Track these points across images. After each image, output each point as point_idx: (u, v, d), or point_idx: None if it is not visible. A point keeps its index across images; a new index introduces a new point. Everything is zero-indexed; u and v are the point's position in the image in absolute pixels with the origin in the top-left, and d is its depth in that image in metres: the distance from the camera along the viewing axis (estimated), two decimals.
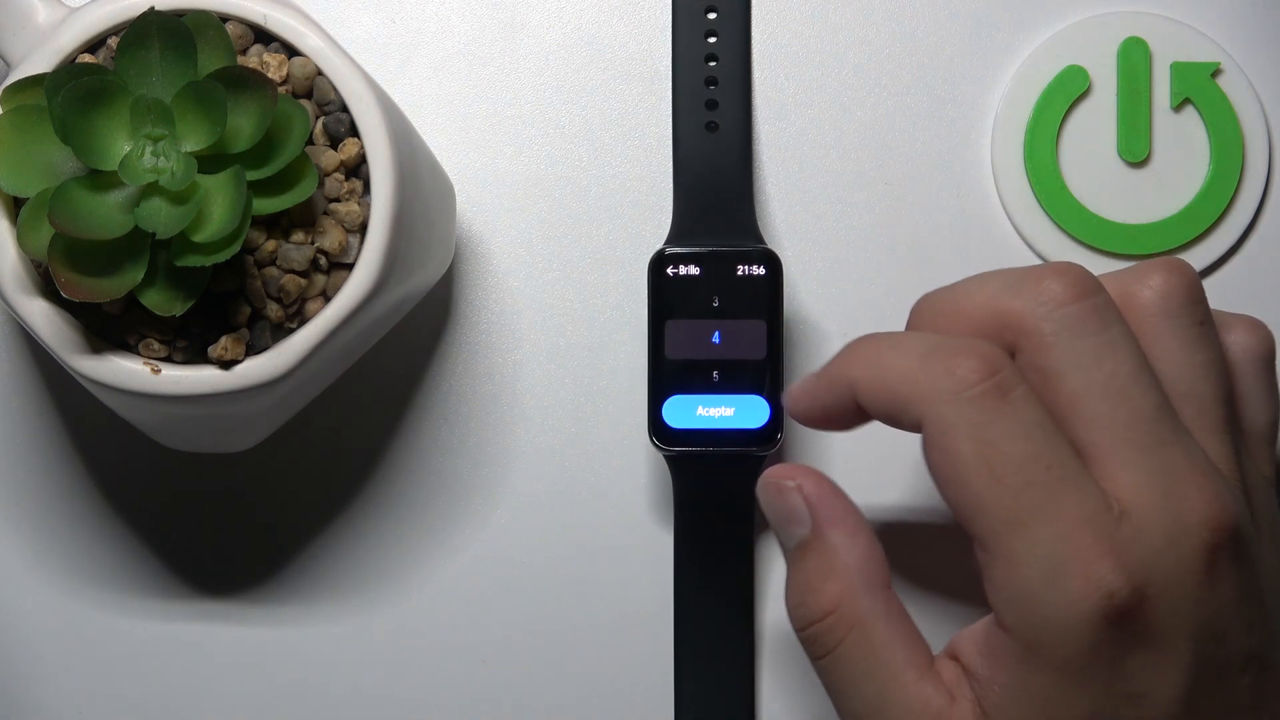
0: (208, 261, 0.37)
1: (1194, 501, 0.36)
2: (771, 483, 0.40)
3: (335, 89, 0.41)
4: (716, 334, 0.44)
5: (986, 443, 0.35)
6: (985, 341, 0.37)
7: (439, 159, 0.46)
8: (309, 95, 0.41)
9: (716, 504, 0.46)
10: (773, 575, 0.48)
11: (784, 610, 0.47)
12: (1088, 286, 0.37)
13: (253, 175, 0.38)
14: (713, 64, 0.46)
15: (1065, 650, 0.35)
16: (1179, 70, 0.48)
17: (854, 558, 0.38)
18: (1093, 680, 0.35)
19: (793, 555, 0.39)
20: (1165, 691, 0.35)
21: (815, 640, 0.38)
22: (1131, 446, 0.36)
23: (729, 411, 0.44)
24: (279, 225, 0.40)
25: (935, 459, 0.36)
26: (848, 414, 0.39)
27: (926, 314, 0.39)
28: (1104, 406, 0.36)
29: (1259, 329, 0.41)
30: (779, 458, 0.47)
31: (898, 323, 0.48)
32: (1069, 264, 0.37)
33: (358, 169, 0.41)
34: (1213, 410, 0.38)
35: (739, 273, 0.44)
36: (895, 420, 0.37)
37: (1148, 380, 0.37)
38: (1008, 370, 0.36)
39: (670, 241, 0.45)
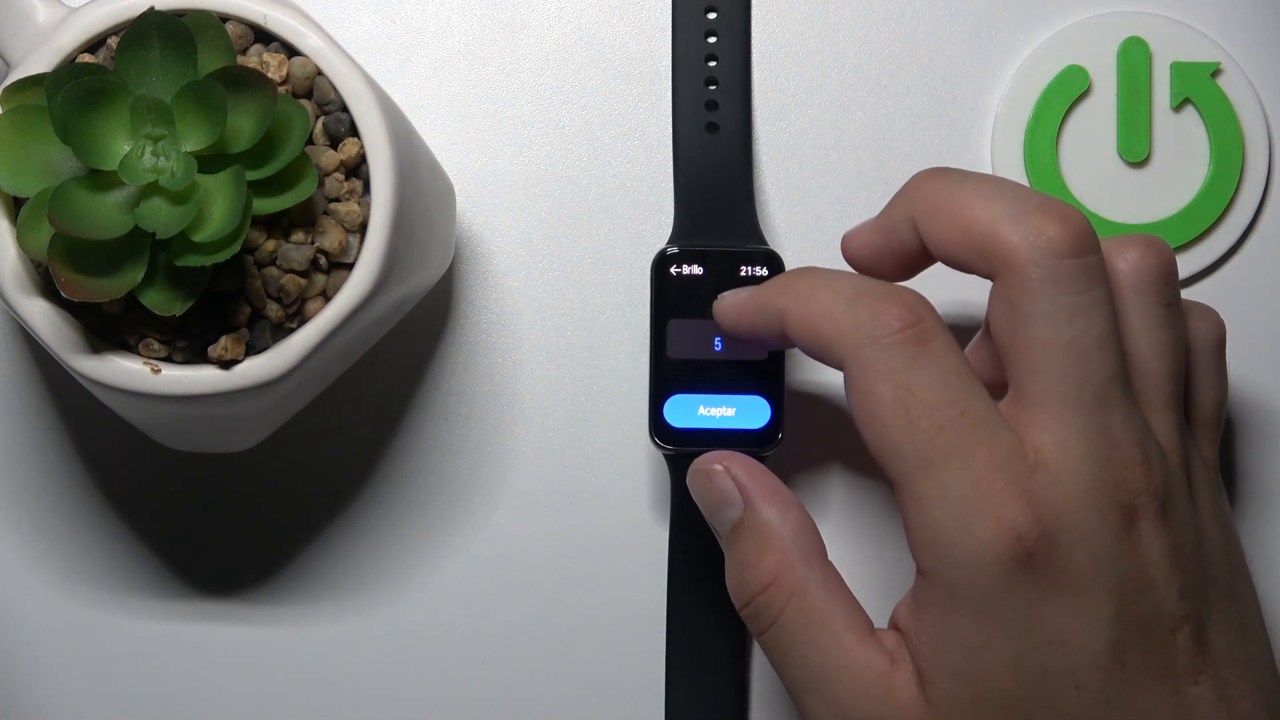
0: (208, 261, 0.37)
1: (1119, 463, 0.36)
2: (700, 470, 0.41)
3: (335, 89, 0.41)
4: (718, 334, 0.44)
5: (903, 387, 0.37)
6: (911, 290, 0.38)
7: (439, 159, 0.46)
8: (309, 95, 0.41)
9: None
10: None
11: None
12: (1085, 244, 0.37)
13: (253, 175, 0.38)
14: (713, 64, 0.46)
15: (978, 591, 0.36)
16: (1179, 70, 0.48)
17: (788, 530, 0.39)
18: (1013, 625, 0.36)
19: (729, 538, 0.41)
20: (1089, 641, 0.36)
21: (757, 614, 0.39)
22: (1070, 404, 0.37)
23: (730, 412, 0.44)
24: (279, 225, 0.40)
25: (855, 400, 0.38)
26: (773, 338, 0.40)
27: (920, 201, 0.40)
28: (1059, 364, 0.37)
29: (1212, 315, 0.42)
30: (779, 459, 0.46)
31: None
32: (1074, 212, 0.37)
33: (358, 169, 0.41)
34: (1162, 386, 0.39)
35: (741, 273, 0.44)
36: (819, 356, 0.39)
37: (1111, 349, 0.37)
38: (930, 320, 0.37)
39: (672, 242, 0.45)
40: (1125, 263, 0.39)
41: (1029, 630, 0.36)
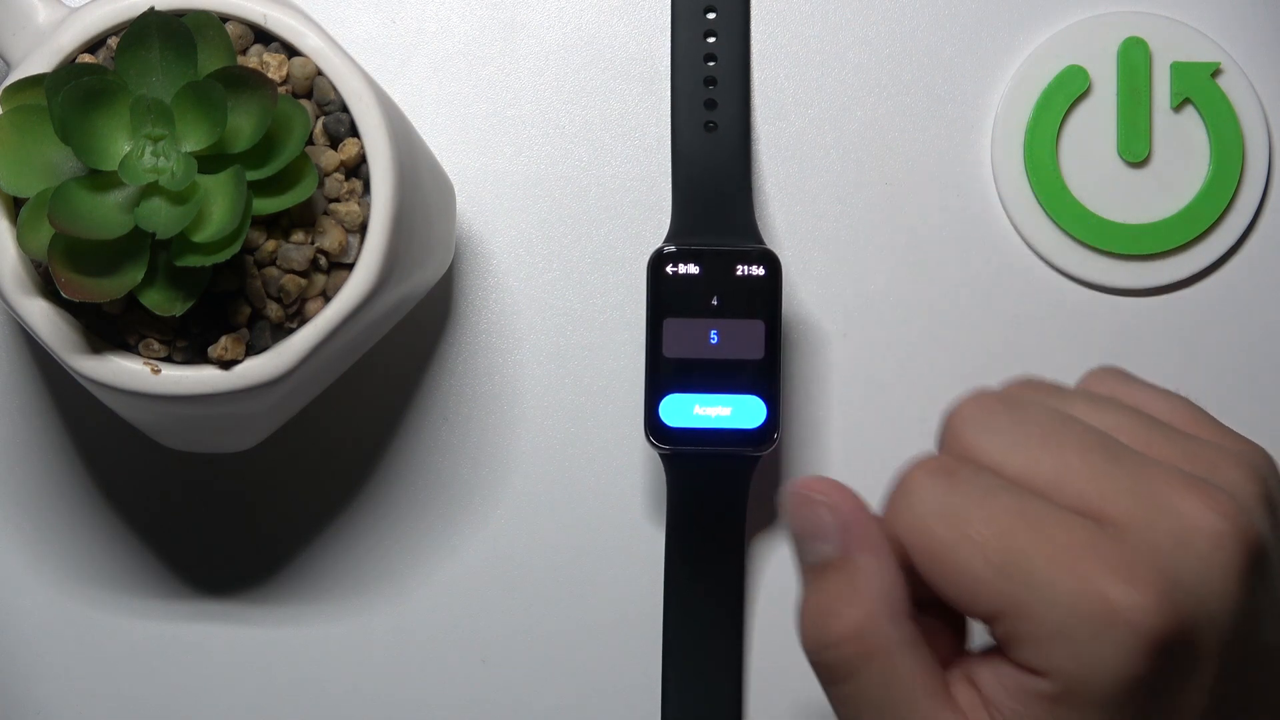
0: (208, 261, 0.37)
1: (1190, 501, 0.35)
2: (799, 494, 0.38)
3: (335, 89, 0.41)
4: (714, 333, 0.44)
5: (954, 517, 0.35)
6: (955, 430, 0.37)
7: (439, 159, 0.46)
8: (309, 95, 0.41)
9: (710, 504, 0.46)
10: (764, 576, 0.48)
11: (774, 611, 0.47)
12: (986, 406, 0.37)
13: (253, 175, 0.38)
14: (712, 64, 0.46)
15: (1107, 687, 0.34)
16: (1179, 70, 0.48)
17: (880, 584, 0.36)
18: (1129, 708, 0.34)
19: (812, 572, 0.37)
20: (1200, 701, 0.35)
21: (829, 665, 0.37)
22: (1104, 476, 0.35)
23: (726, 411, 0.44)
24: (279, 225, 0.40)
25: (921, 563, 0.36)
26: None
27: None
28: (1052, 463, 0.36)
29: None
30: (775, 459, 0.47)
31: (897, 322, 0.48)
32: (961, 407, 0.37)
33: (358, 169, 0.41)
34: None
35: (738, 272, 0.44)
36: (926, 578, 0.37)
37: (1081, 426, 0.36)
38: (945, 457, 0.36)
39: (669, 241, 0.45)
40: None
41: (1144, 708, 0.34)
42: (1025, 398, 0.37)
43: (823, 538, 0.37)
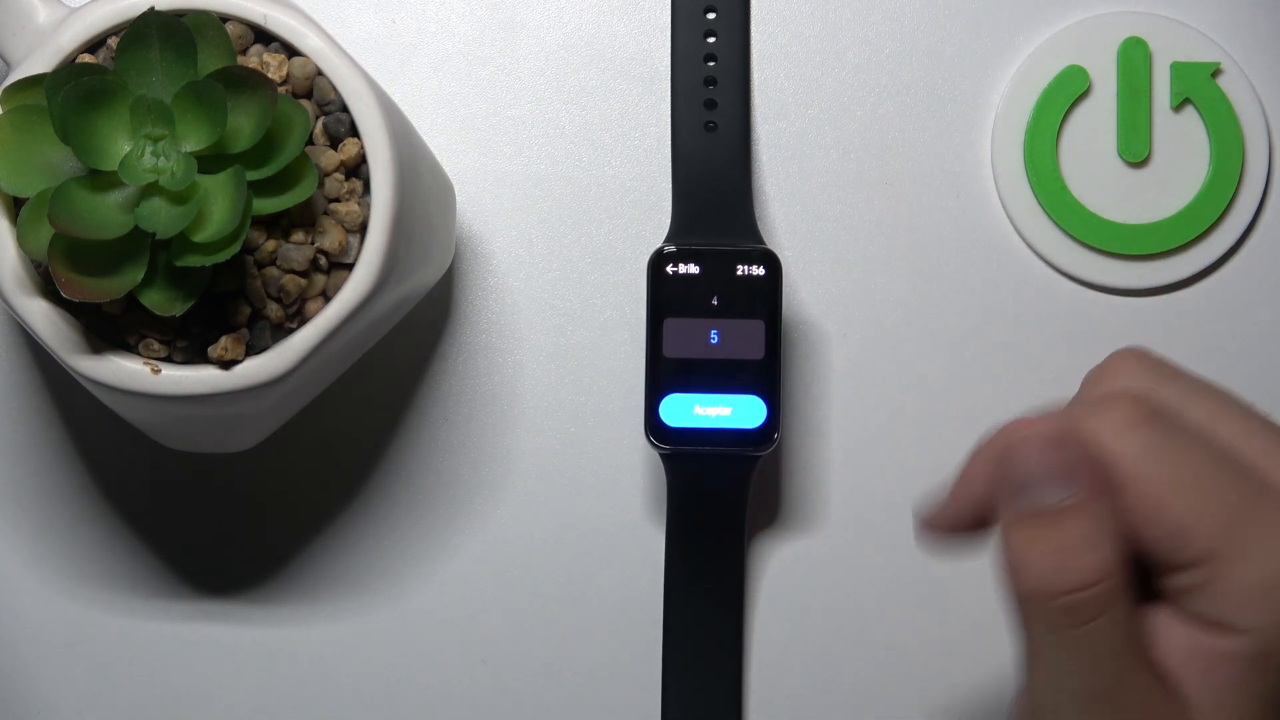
0: (208, 261, 0.37)
1: None
2: (1033, 437, 0.36)
3: (335, 89, 0.41)
4: (714, 333, 0.44)
5: (1172, 460, 0.35)
6: (1124, 377, 0.37)
7: (439, 159, 0.46)
8: (309, 95, 0.41)
9: (710, 504, 0.46)
10: (763, 576, 0.48)
11: (774, 611, 0.47)
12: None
13: (253, 175, 0.38)
14: (712, 64, 0.46)
15: None
16: (1179, 70, 0.48)
17: (1118, 526, 0.36)
18: None
19: (1045, 516, 0.36)
20: None
21: (1072, 609, 0.36)
22: (1266, 438, 0.36)
23: (726, 411, 0.44)
24: (279, 225, 0.40)
25: (1135, 498, 0.35)
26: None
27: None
28: (1234, 426, 0.36)
29: None
30: (775, 459, 0.47)
31: (897, 322, 0.48)
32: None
33: (358, 169, 0.41)
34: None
35: (738, 272, 0.44)
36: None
37: (1231, 394, 0.37)
38: (1153, 398, 0.36)
39: (669, 241, 0.44)
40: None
41: None
42: (1177, 367, 0.37)
43: (1060, 481, 0.36)
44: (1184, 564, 0.35)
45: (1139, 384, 0.37)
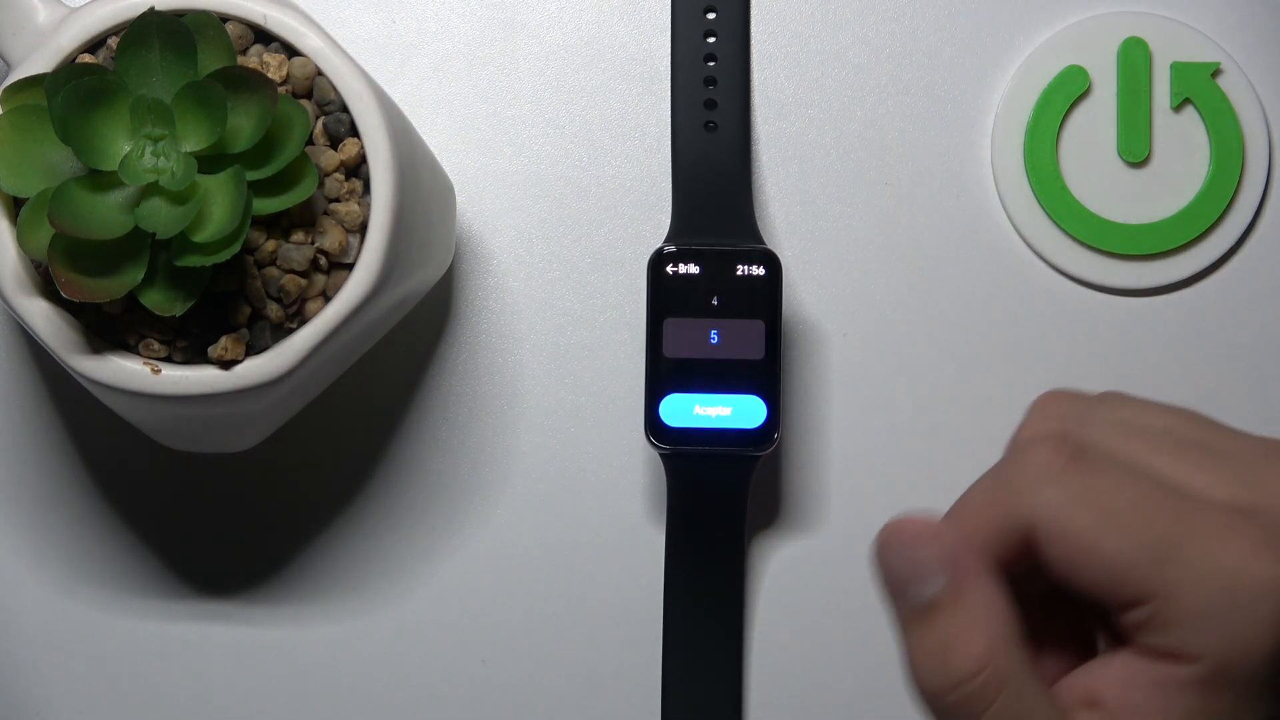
0: (208, 261, 0.37)
1: None
2: (896, 538, 0.36)
3: (335, 89, 0.41)
4: (714, 333, 0.44)
5: (1096, 505, 0.35)
6: (1047, 422, 0.37)
7: (439, 159, 0.46)
8: (309, 95, 0.41)
9: (710, 504, 0.46)
10: (764, 576, 0.48)
11: (774, 611, 0.47)
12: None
13: (253, 175, 0.38)
14: (712, 64, 0.46)
15: (1255, 662, 0.34)
16: (1179, 70, 0.48)
17: (998, 609, 0.35)
18: (1271, 687, 0.34)
19: (919, 614, 0.36)
20: None
21: (964, 703, 0.35)
22: (1198, 466, 0.35)
23: (726, 411, 0.44)
24: (279, 225, 0.40)
25: (1060, 550, 0.35)
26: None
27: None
28: (1156, 460, 0.36)
29: None
30: (775, 459, 0.47)
31: (897, 322, 0.48)
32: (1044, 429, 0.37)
33: (358, 169, 0.41)
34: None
35: (738, 272, 0.44)
36: (1028, 552, 0.36)
37: (1164, 409, 0.37)
38: (1067, 441, 0.36)
39: (669, 240, 0.44)
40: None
41: None
42: (1100, 397, 0.37)
43: (929, 576, 0.36)
44: (1128, 603, 0.35)
45: (1060, 426, 0.36)
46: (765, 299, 0.44)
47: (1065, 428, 0.37)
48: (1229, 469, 0.36)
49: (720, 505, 0.46)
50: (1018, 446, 0.36)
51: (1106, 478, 0.35)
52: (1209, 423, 0.38)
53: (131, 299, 0.39)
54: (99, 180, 0.38)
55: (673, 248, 0.44)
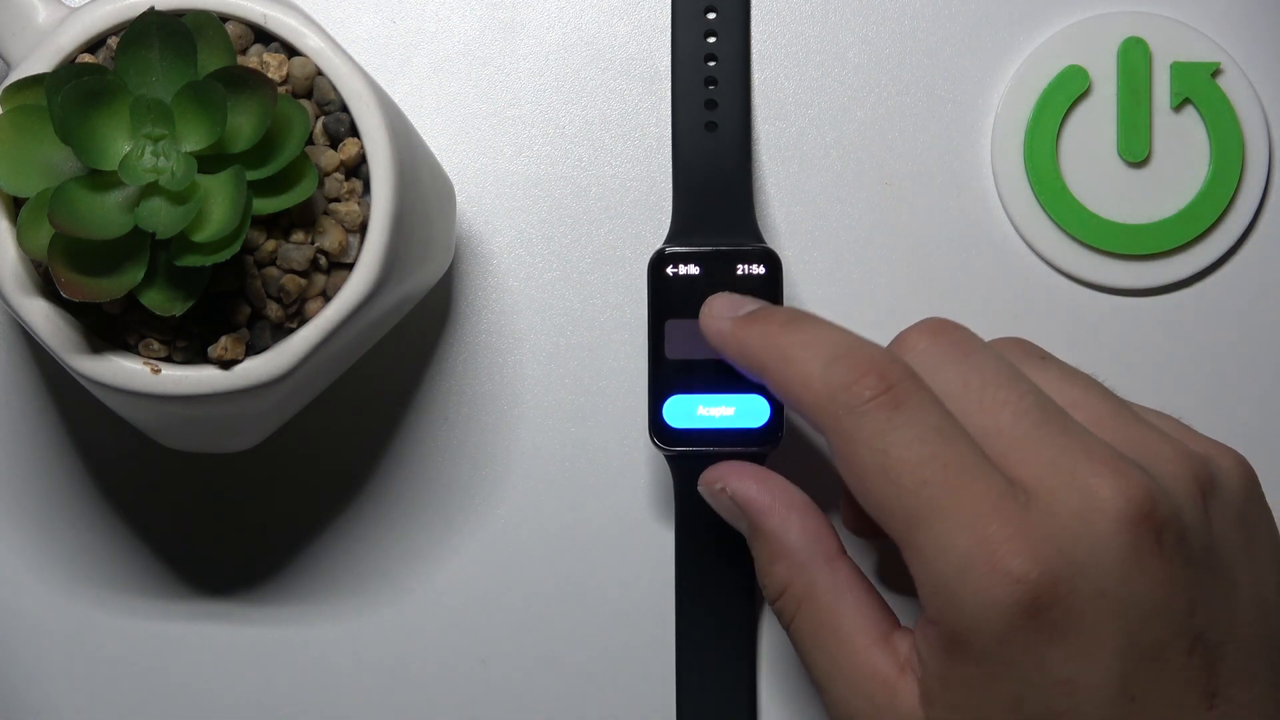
0: (208, 261, 0.37)
1: (1104, 479, 0.36)
2: (703, 489, 0.43)
3: (335, 89, 0.41)
4: None
5: (881, 451, 0.37)
6: (886, 352, 0.39)
7: (439, 159, 0.46)
8: (309, 95, 0.41)
9: None
10: None
11: None
12: (940, 327, 0.39)
13: (253, 175, 0.38)
14: (712, 64, 0.46)
15: (983, 640, 0.35)
16: (1179, 70, 0.48)
17: (793, 536, 0.40)
18: (1017, 668, 0.35)
19: (750, 545, 0.42)
20: (1096, 678, 0.35)
21: (779, 615, 0.41)
22: (1028, 442, 0.37)
23: (729, 411, 0.44)
24: (279, 225, 0.40)
25: (841, 468, 0.38)
26: (752, 376, 0.41)
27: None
28: (983, 419, 0.37)
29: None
30: (780, 456, 0.46)
31: (897, 322, 0.48)
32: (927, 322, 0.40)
33: (358, 169, 0.41)
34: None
35: (739, 272, 0.44)
36: (797, 412, 0.39)
37: (1024, 387, 0.38)
38: (904, 381, 0.38)
39: (670, 241, 0.44)
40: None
41: (1033, 672, 0.35)
42: (980, 347, 0.39)
43: (736, 517, 0.42)
44: (891, 538, 0.37)
45: (919, 361, 0.39)
46: (766, 297, 0.44)
47: (919, 365, 0.39)
48: (1053, 451, 0.37)
49: None
50: (867, 360, 0.38)
51: (910, 430, 0.37)
52: (1097, 397, 0.39)
53: (131, 299, 0.39)
54: (99, 180, 0.38)
55: (673, 249, 0.44)
